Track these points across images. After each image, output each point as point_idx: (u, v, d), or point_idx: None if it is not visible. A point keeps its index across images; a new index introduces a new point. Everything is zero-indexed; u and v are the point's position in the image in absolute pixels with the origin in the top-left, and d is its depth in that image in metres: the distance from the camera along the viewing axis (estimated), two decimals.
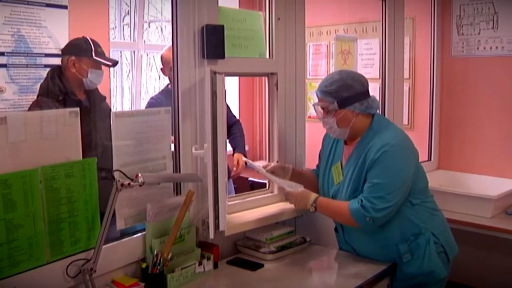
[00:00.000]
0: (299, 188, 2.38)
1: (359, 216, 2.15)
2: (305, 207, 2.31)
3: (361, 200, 2.16)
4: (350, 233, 2.38)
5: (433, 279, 2.26)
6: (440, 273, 2.26)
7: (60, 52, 3.24)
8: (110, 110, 2.87)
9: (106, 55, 2.69)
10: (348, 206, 2.20)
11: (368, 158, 2.19)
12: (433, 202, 2.38)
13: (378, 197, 2.13)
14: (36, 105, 2.46)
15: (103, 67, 2.59)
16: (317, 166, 2.58)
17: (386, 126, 2.32)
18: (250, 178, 3.86)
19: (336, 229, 2.50)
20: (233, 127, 3.31)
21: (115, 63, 2.72)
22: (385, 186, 2.14)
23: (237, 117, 3.65)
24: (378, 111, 2.37)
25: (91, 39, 2.58)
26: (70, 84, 2.49)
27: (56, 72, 2.52)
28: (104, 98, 2.77)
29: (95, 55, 2.51)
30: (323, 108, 2.27)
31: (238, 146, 3.29)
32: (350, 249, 2.42)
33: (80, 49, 2.53)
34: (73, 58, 2.50)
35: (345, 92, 2.22)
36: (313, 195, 2.31)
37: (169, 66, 2.96)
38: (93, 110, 2.54)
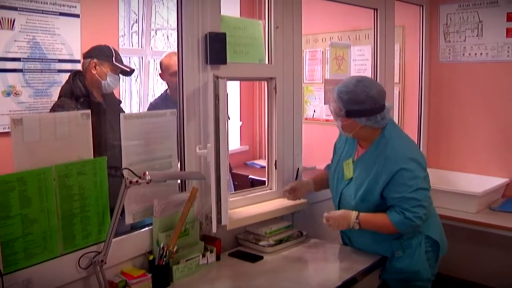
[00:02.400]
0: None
1: (405, 227, 2.13)
2: (348, 227, 2.20)
3: (403, 213, 2.10)
4: (350, 231, 2.34)
5: (418, 278, 2.26)
6: (425, 274, 2.26)
7: (73, 58, 3.26)
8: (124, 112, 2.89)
9: None
10: (390, 219, 2.13)
11: (387, 169, 2.13)
12: (432, 206, 2.33)
13: (417, 206, 2.11)
14: (58, 106, 2.49)
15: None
16: (332, 160, 2.54)
17: (399, 135, 2.26)
18: (250, 176, 3.86)
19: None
20: None
21: (132, 71, 2.75)
22: (419, 195, 2.11)
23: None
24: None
25: (111, 46, 2.64)
26: (90, 86, 2.53)
27: (78, 75, 2.55)
28: (120, 101, 2.82)
29: (115, 61, 2.56)
30: (334, 109, 2.23)
31: None
32: (347, 242, 2.42)
33: (103, 54, 2.57)
34: (95, 60, 2.54)
35: (355, 106, 2.14)
36: (353, 214, 2.19)
37: (168, 72, 2.97)
38: (110, 111, 2.56)
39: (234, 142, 4.48)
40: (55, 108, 2.50)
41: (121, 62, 2.62)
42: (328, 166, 2.58)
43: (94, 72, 2.53)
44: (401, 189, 2.11)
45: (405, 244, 2.23)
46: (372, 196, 2.18)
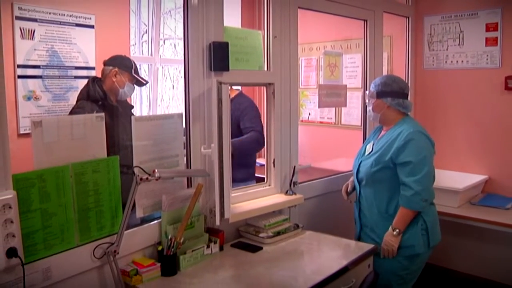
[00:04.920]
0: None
1: (413, 203, 2.29)
2: (396, 240, 2.33)
3: (411, 188, 2.26)
4: (363, 206, 2.51)
5: (412, 252, 2.34)
6: (419, 249, 2.34)
7: (88, 65, 3.26)
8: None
9: None
10: (403, 206, 2.32)
11: (400, 138, 2.33)
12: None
13: (424, 176, 2.27)
14: (78, 107, 2.49)
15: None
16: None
17: (417, 124, 2.46)
18: None
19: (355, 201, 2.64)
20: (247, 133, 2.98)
21: (146, 83, 2.77)
22: (425, 162, 2.29)
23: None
24: (410, 114, 2.53)
25: (133, 60, 2.66)
26: (107, 91, 2.53)
27: (96, 80, 2.55)
28: (132, 106, 2.81)
29: (134, 73, 2.58)
30: (370, 94, 2.50)
31: None
32: (357, 215, 2.56)
33: (124, 64, 2.59)
34: (116, 69, 2.54)
35: (384, 88, 2.44)
36: (389, 233, 2.35)
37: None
38: (123, 115, 2.56)
39: None
40: (75, 110, 2.50)
41: (139, 74, 2.63)
42: None
43: (114, 79, 2.54)
44: (410, 153, 2.30)
45: None
46: (384, 158, 2.36)
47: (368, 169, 2.43)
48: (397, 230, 2.32)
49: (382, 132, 2.53)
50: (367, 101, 2.57)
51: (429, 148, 2.37)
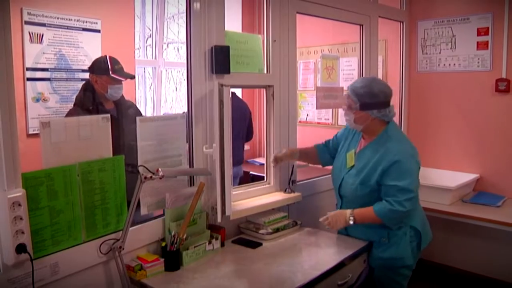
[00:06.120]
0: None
1: (388, 219, 2.12)
2: (345, 223, 2.19)
3: (391, 204, 2.09)
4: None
5: (401, 264, 2.23)
6: (408, 261, 2.24)
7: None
8: (140, 113, 2.75)
9: (132, 70, 2.62)
10: (376, 213, 2.12)
11: (385, 159, 2.12)
12: (418, 200, 2.30)
13: (406, 199, 2.08)
14: (72, 113, 2.43)
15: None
16: (326, 141, 2.59)
17: (400, 135, 2.27)
18: (251, 172, 3.86)
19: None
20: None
21: (130, 77, 2.58)
22: (410, 186, 2.10)
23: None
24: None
25: (109, 57, 2.47)
26: (98, 96, 2.44)
27: (88, 86, 2.47)
28: (130, 105, 2.66)
29: (112, 73, 2.42)
30: (348, 104, 2.23)
31: None
32: (343, 231, 2.38)
33: (99, 68, 2.45)
34: (94, 76, 2.45)
35: (369, 99, 2.17)
36: (348, 212, 2.20)
37: None
38: (120, 116, 2.50)
39: None
40: (68, 115, 2.44)
41: (119, 72, 2.45)
42: (317, 145, 2.60)
43: (97, 86, 2.44)
44: (396, 178, 2.10)
45: (391, 233, 2.21)
46: (370, 181, 2.17)
47: (353, 192, 2.24)
48: (353, 220, 2.16)
49: (364, 142, 2.30)
50: (344, 107, 2.27)
51: (415, 170, 2.15)
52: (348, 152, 2.34)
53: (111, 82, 2.43)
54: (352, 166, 2.28)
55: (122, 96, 2.57)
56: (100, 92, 2.44)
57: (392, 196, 2.11)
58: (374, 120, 2.21)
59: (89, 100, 2.42)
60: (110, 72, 2.42)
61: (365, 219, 2.19)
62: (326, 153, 2.57)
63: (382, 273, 2.28)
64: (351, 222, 2.18)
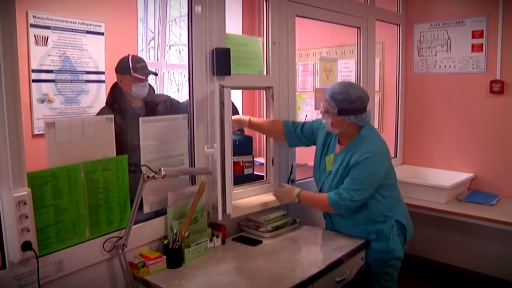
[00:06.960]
0: (286, 185, 2.40)
1: (337, 205, 2.18)
2: (291, 201, 2.35)
3: (341, 193, 2.16)
4: (334, 215, 2.38)
5: (392, 256, 2.27)
6: (399, 253, 2.28)
7: (98, 70, 3.26)
8: (178, 104, 2.64)
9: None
10: (327, 197, 2.21)
11: (352, 160, 2.16)
12: (399, 194, 2.37)
13: (355, 190, 2.14)
14: (100, 113, 2.43)
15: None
16: (295, 123, 2.51)
17: (371, 135, 2.24)
18: None
19: (324, 215, 2.51)
20: None
21: (153, 74, 2.60)
22: (362, 182, 2.14)
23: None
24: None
25: (132, 56, 2.47)
26: (124, 95, 2.46)
27: (116, 85, 2.48)
28: (166, 98, 2.64)
29: (133, 72, 2.41)
30: (325, 108, 2.22)
31: None
32: (331, 227, 2.43)
33: (122, 68, 2.45)
34: (119, 76, 2.46)
35: (347, 105, 2.16)
36: (296, 190, 2.33)
37: None
38: (149, 114, 2.45)
39: None
40: (98, 114, 2.44)
41: (141, 70, 2.44)
42: (286, 123, 2.50)
43: (122, 85, 2.46)
44: (353, 172, 2.15)
45: (378, 229, 2.25)
46: (342, 182, 2.21)
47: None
48: (298, 201, 2.32)
49: (339, 146, 2.31)
50: (321, 110, 2.26)
51: (378, 165, 2.16)
52: (327, 156, 2.36)
53: (134, 81, 2.43)
54: (331, 171, 2.32)
55: (152, 92, 2.55)
56: (126, 91, 2.45)
57: (345, 189, 2.16)
58: (351, 125, 2.21)
59: (116, 100, 2.43)
60: (132, 71, 2.41)
61: (311, 201, 2.33)
62: (294, 135, 2.50)
63: (375, 266, 2.31)
64: (296, 201, 2.32)
